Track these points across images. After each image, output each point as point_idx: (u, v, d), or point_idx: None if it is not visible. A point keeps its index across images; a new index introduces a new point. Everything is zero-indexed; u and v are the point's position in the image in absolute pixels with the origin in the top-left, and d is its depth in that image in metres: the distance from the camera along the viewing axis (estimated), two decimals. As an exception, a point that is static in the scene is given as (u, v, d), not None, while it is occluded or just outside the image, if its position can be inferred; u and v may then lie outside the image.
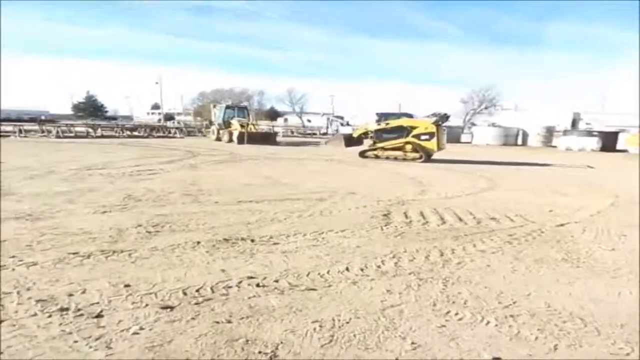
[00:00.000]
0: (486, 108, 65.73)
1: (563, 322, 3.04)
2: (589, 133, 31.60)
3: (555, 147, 32.38)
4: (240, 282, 3.55)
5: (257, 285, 3.48)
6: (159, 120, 57.60)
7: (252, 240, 4.79)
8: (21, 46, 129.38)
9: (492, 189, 9.53)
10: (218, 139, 24.90)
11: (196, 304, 3.11)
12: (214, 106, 29.90)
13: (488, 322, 2.97)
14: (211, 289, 3.39)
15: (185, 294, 3.28)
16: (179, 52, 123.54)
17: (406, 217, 6.28)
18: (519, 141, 35.24)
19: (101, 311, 2.94)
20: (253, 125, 25.46)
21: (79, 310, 2.95)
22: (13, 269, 3.70)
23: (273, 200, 7.28)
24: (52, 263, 3.88)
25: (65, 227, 5.13)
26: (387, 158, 15.90)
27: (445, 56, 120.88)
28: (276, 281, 3.59)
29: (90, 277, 3.58)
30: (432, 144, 15.54)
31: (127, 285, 3.41)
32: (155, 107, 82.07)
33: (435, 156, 16.07)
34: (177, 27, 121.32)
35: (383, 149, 16.16)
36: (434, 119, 16.48)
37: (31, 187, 7.79)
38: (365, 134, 17.10)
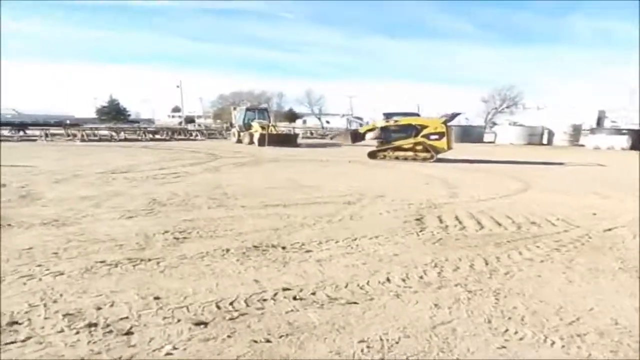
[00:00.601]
0: (508, 107, 64.58)
1: (636, 341, 2.73)
2: (618, 131, 30.60)
3: (582, 146, 31.47)
4: (275, 294, 3.33)
5: (294, 298, 3.25)
6: (180, 123, 58.14)
7: (284, 248, 4.57)
8: (46, 52, 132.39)
9: (526, 190, 9.14)
10: (239, 141, 24.86)
11: (231, 319, 2.89)
12: (235, 108, 29.97)
13: (553, 343, 2.67)
14: (245, 302, 3.17)
15: (218, 307, 3.07)
16: (198, 55, 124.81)
17: (441, 221, 5.99)
18: (544, 140, 34.39)
19: (131, 327, 2.75)
20: (273, 127, 25.35)
21: (107, 326, 2.76)
22: (40, 279, 3.55)
23: (300, 204, 7.06)
24: (79, 272, 3.72)
25: (92, 234, 5.00)
26: (397, 159, 15.51)
27: (464, 55, 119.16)
28: (313, 293, 3.35)
29: (118, 288, 3.40)
30: (442, 144, 15.34)
31: (156, 298, 3.22)
32: (176, 110, 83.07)
33: (459, 156, 15.66)
34: (197, 31, 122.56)
35: (392, 149, 15.78)
36: (443, 118, 16.34)
37: (57, 191, 7.74)
38: (371, 130, 16.82)
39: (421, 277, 3.76)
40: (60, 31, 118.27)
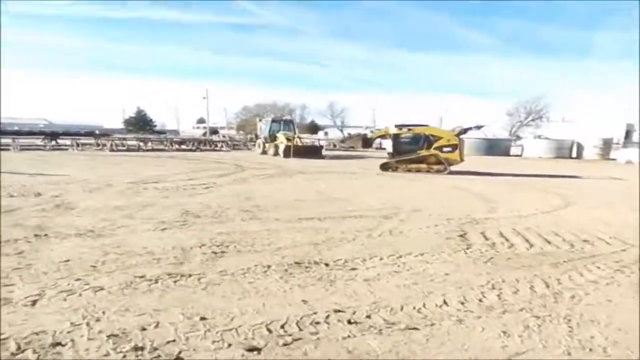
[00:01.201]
0: (533, 120, 63.44)
1: None
2: (653, 145, 29.47)
3: (614, 160, 30.46)
4: (327, 316, 3.11)
5: (349, 322, 3.02)
6: (204, 134, 58.81)
7: (327, 265, 4.35)
8: (76, 64, 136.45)
9: (567, 206, 8.73)
10: (264, 152, 24.87)
11: (285, 344, 2.68)
12: (260, 120, 30.06)
13: (648, 382, 2.38)
14: (297, 325, 2.96)
15: (269, 331, 2.86)
16: (223, 68, 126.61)
17: (486, 238, 5.68)
18: (574, 154, 33.46)
19: (180, 352, 2.56)
20: (299, 138, 25.28)
21: (155, 349, 2.58)
22: (80, 294, 3.41)
23: (335, 217, 6.85)
24: (119, 288, 3.57)
25: (128, 246, 4.87)
26: (410, 171, 15.16)
27: (487, 68, 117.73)
28: (368, 317, 3.12)
29: (161, 306, 3.23)
30: (455, 156, 15.13)
31: (203, 318, 3.03)
32: (200, 121, 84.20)
33: (487, 169, 15.23)
34: (222, 45, 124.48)
35: (405, 161, 15.42)
36: (457, 130, 16.09)
37: (90, 200, 7.71)
38: (382, 137, 16.86)
39: (480, 300, 3.49)
40: (90, 44, 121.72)
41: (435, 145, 15.13)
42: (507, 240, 5.59)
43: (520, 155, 33.89)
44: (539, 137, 46.35)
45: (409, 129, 15.89)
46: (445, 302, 3.42)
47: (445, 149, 15.14)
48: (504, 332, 2.93)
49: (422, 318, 3.13)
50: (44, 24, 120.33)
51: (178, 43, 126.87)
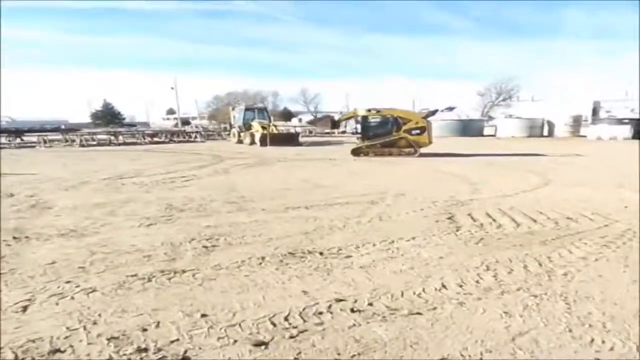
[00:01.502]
0: (504, 100, 64.57)
1: None
2: (619, 121, 30.43)
3: (584, 136, 31.34)
4: (329, 306, 3.09)
5: (352, 310, 3.01)
6: (175, 125, 57.66)
7: (321, 254, 4.33)
8: (37, 58, 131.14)
9: (547, 184, 8.94)
10: (239, 141, 24.59)
11: (291, 337, 2.65)
12: (233, 109, 29.64)
13: (649, 353, 2.45)
14: (301, 316, 2.94)
15: (274, 324, 2.83)
16: (191, 57, 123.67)
17: (473, 219, 5.77)
18: (545, 132, 34.28)
19: (186, 352, 2.51)
20: (274, 126, 25.07)
21: (159, 350, 2.52)
22: (72, 297, 3.30)
23: (322, 205, 6.83)
24: (112, 288, 3.47)
25: (114, 244, 4.74)
26: (382, 155, 15.26)
27: (458, 50, 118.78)
28: (370, 304, 3.12)
29: (159, 305, 3.16)
30: (424, 138, 15.46)
31: (204, 315, 2.97)
32: (171, 112, 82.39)
33: (463, 150, 15.47)
34: (190, 33, 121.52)
35: (375, 145, 15.54)
36: (424, 113, 16.47)
37: (67, 199, 7.46)
38: (350, 118, 17.15)
39: (478, 282, 3.53)
40: (50, 35, 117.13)
41: (404, 128, 15.31)
42: (494, 220, 5.68)
43: (494, 135, 34.50)
44: (510, 116, 47.20)
45: (378, 111, 15.98)
46: (444, 286, 3.45)
47: (413, 132, 15.38)
48: (505, 313, 2.97)
49: (423, 303, 3.15)
50: (3, 16, 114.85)
51: (145, 32, 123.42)
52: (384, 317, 2.92)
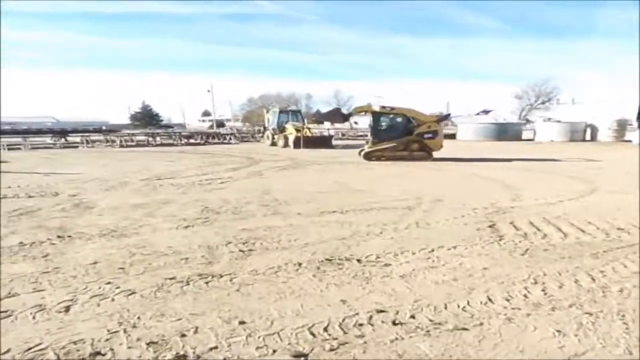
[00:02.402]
0: (543, 103, 62.63)
1: None
2: (668, 125, 28.88)
3: (629, 141, 29.92)
4: (370, 317, 2.99)
5: (394, 323, 2.90)
6: (210, 127, 58.73)
7: (359, 261, 4.23)
8: (79, 61, 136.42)
9: (594, 192, 8.53)
10: (273, 143, 24.73)
11: (332, 349, 2.57)
12: (267, 111, 29.87)
13: None
14: (340, 327, 2.85)
15: (313, 334, 2.75)
16: (226, 60, 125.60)
17: (516, 228, 5.53)
18: (587, 136, 32.94)
19: (225, 360, 2.46)
20: (308, 129, 25.10)
21: (198, 357, 2.49)
22: (112, 299, 3.33)
23: (357, 209, 6.72)
24: (151, 291, 3.48)
25: (153, 246, 4.79)
26: (394, 159, 14.81)
27: (491, 51, 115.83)
28: (412, 317, 3.00)
29: (197, 310, 3.14)
30: (436, 143, 15.12)
31: (242, 322, 2.93)
32: (206, 114, 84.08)
33: (503, 155, 15.01)
34: (223, 36, 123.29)
35: (388, 149, 15.06)
36: (436, 117, 16.05)
37: (108, 199, 7.64)
38: (363, 112, 16.46)
39: (526, 296, 3.35)
40: (91, 39, 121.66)
41: (417, 131, 14.95)
42: (539, 230, 5.43)
43: (532, 140, 33.44)
44: (549, 120, 45.69)
45: (392, 109, 15.58)
46: (489, 299, 3.29)
47: (426, 135, 15.01)
48: (558, 331, 2.79)
49: (469, 317, 3.00)
50: (47, 22, 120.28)
51: (179, 36, 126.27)
52: (427, 331, 2.79)
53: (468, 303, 3.22)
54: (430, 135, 15.02)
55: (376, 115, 15.52)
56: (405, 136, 15.10)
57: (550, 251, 4.54)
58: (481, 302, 3.24)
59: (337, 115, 17.85)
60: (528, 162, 14.58)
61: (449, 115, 17.20)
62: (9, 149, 21.99)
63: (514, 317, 3.00)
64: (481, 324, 2.90)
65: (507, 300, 3.29)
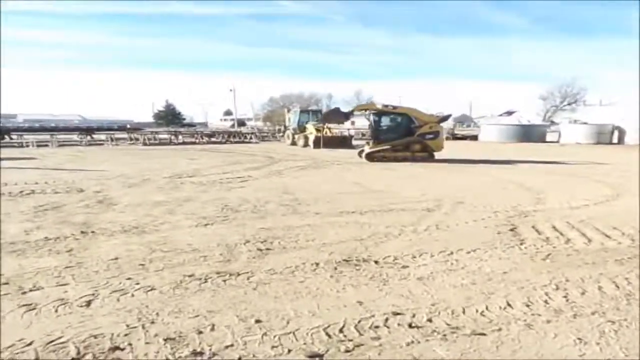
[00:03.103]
0: (569, 104, 61.23)
1: None
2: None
3: (659, 145, 28.98)
4: (386, 319, 2.97)
5: (410, 325, 2.88)
6: (232, 126, 59.27)
7: (376, 262, 4.21)
8: (104, 61, 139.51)
9: (620, 196, 8.29)
10: (293, 143, 24.81)
11: (347, 351, 2.56)
12: (288, 111, 30.03)
13: None
14: (356, 328, 2.84)
15: (328, 335, 2.75)
16: (248, 59, 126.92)
17: (538, 232, 5.42)
18: (615, 139, 32.06)
19: (240, 358, 2.48)
20: (328, 129, 25.08)
21: (214, 355, 2.51)
22: (132, 295, 3.39)
23: (376, 210, 6.69)
24: (169, 288, 3.53)
25: (173, 243, 4.86)
26: (396, 160, 14.62)
27: (517, 51, 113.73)
28: (429, 320, 2.97)
29: (214, 307, 3.17)
30: (437, 143, 14.99)
31: (258, 321, 2.95)
32: (227, 113, 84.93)
33: (525, 157, 14.71)
34: (246, 36, 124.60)
35: (390, 150, 14.87)
36: (437, 117, 15.80)
37: (131, 196, 7.79)
38: (364, 110, 15.94)
39: (547, 302, 3.28)
40: (115, 39, 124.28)
41: (418, 132, 14.78)
42: (562, 234, 5.31)
43: (557, 142, 32.73)
44: (575, 122, 44.62)
45: (394, 107, 15.44)
46: (509, 304, 3.23)
47: (427, 136, 14.86)
48: (579, 339, 2.73)
49: (487, 322, 2.95)
50: (73, 23, 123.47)
51: (204, 36, 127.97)
52: (444, 335, 2.76)
53: (487, 308, 3.17)
54: (431, 135, 14.89)
55: (377, 115, 15.34)
56: (406, 137, 14.96)
57: (573, 256, 4.44)
58: (500, 307, 3.18)
59: (337, 115, 17.22)
60: (551, 165, 14.27)
61: (449, 116, 17.07)
62: (37, 146, 22.61)
63: (533, 323, 2.94)
64: (500, 329, 2.85)
65: (527, 305, 3.22)
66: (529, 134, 33.52)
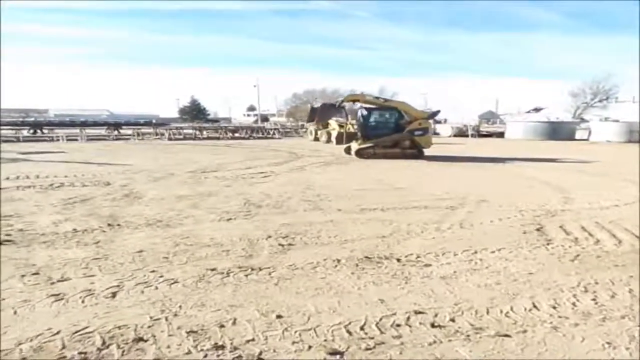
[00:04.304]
0: (600, 101, 59.38)
1: None
2: None
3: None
4: (408, 318, 2.94)
5: (432, 325, 2.84)
6: (255, 121, 59.65)
7: (398, 260, 4.17)
8: (131, 56, 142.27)
9: (653, 196, 7.99)
10: (316, 139, 24.82)
11: (368, 349, 2.54)
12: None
13: None
14: (377, 327, 2.82)
15: (349, 333, 2.74)
16: (272, 55, 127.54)
17: (566, 233, 5.28)
18: (648, 137, 30.90)
19: (261, 353, 2.49)
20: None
21: (235, 349, 2.53)
22: (156, 287, 3.44)
23: (399, 208, 6.63)
24: (192, 281, 3.58)
25: (196, 237, 4.92)
26: (385, 156, 14.34)
27: (547, 46, 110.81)
28: (452, 320, 2.92)
29: (236, 302, 3.19)
30: (426, 140, 14.83)
31: (279, 317, 2.95)
32: (251, 108, 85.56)
33: (552, 155, 14.31)
34: (270, 32, 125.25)
35: (378, 146, 14.61)
36: (427, 113, 15.56)
37: (156, 190, 7.92)
38: (354, 101, 15.45)
39: (574, 305, 3.19)
40: (142, 35, 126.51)
41: (408, 128, 14.57)
42: (591, 235, 5.16)
43: (586, 140, 31.82)
44: (606, 119, 43.31)
45: (385, 100, 15.18)
46: (535, 306, 3.16)
47: (417, 132, 14.65)
48: (608, 343, 2.64)
49: (512, 323, 2.89)
50: (103, 20, 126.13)
51: (228, 32, 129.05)
52: (467, 336, 2.71)
53: (511, 309, 3.11)
54: (421, 132, 14.71)
55: (367, 110, 15.05)
56: (396, 133, 14.73)
57: (602, 258, 4.30)
58: (525, 309, 3.11)
59: (330, 111, 16.04)
60: (580, 164, 13.88)
61: (438, 112, 17.00)
62: (67, 140, 23.23)
63: (560, 325, 2.86)
64: (525, 331, 2.78)
65: (554, 307, 3.14)
66: (558, 131, 32.67)
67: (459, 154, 16.52)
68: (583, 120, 49.01)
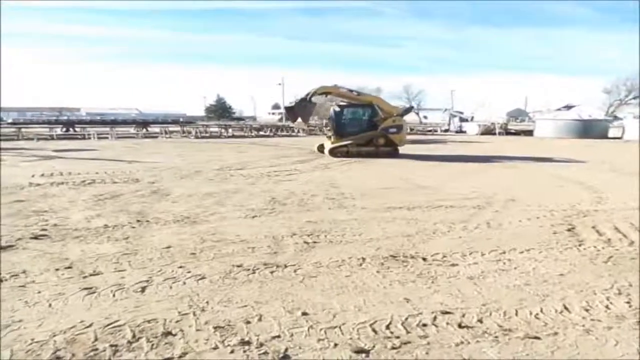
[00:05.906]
0: (634, 98, 57.29)
1: None
2: None
3: None
4: (434, 318, 2.91)
5: (459, 325, 2.80)
6: (280, 119, 59.95)
7: (424, 259, 4.13)
8: (159, 56, 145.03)
9: (692, 197, 7.67)
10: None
11: (393, 348, 2.53)
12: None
13: None
14: (403, 326, 2.80)
15: (375, 331, 2.73)
16: (297, 54, 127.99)
17: (599, 233, 5.13)
18: (684, 136, 29.68)
19: (286, 350, 2.51)
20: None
21: (261, 345, 2.55)
22: (184, 282, 3.50)
23: (424, 207, 6.56)
24: (219, 277, 3.63)
25: (222, 234, 4.98)
26: (360, 155, 14.09)
27: (578, 42, 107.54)
28: (480, 321, 2.88)
29: (262, 298, 3.22)
30: (400, 137, 14.58)
31: (304, 314, 2.97)
32: (275, 107, 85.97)
33: (582, 154, 13.90)
34: (296, 30, 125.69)
35: (352, 144, 14.29)
36: (400, 110, 15.32)
37: (183, 187, 8.05)
38: (325, 94, 14.90)
39: (607, 307, 3.10)
40: (171, 35, 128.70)
41: (382, 125, 14.28)
42: (625, 236, 5.00)
43: (620, 138, 30.79)
44: (640, 117, 41.77)
45: (358, 94, 14.88)
46: (566, 308, 3.08)
47: (391, 129, 14.38)
48: (645, 348, 2.55)
49: (542, 325, 2.82)
50: (130, 19, 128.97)
51: (253, 31, 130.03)
52: (495, 337, 2.67)
53: (541, 310, 3.04)
54: (394, 129, 14.44)
55: (337, 113, 14.78)
56: (369, 130, 14.43)
57: (637, 260, 4.16)
58: (556, 311, 3.03)
59: (305, 107, 14.31)
60: (613, 163, 13.44)
61: (412, 108, 16.92)
62: (98, 138, 23.84)
63: (593, 329, 2.78)
64: (555, 333, 2.72)
65: (586, 310, 3.05)
66: (589, 129, 31.71)
67: (483, 154, 16.24)
68: (616, 117, 47.42)
